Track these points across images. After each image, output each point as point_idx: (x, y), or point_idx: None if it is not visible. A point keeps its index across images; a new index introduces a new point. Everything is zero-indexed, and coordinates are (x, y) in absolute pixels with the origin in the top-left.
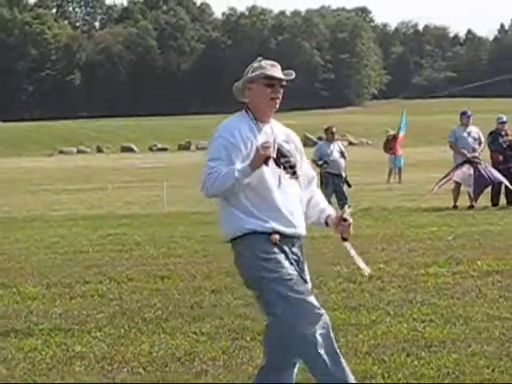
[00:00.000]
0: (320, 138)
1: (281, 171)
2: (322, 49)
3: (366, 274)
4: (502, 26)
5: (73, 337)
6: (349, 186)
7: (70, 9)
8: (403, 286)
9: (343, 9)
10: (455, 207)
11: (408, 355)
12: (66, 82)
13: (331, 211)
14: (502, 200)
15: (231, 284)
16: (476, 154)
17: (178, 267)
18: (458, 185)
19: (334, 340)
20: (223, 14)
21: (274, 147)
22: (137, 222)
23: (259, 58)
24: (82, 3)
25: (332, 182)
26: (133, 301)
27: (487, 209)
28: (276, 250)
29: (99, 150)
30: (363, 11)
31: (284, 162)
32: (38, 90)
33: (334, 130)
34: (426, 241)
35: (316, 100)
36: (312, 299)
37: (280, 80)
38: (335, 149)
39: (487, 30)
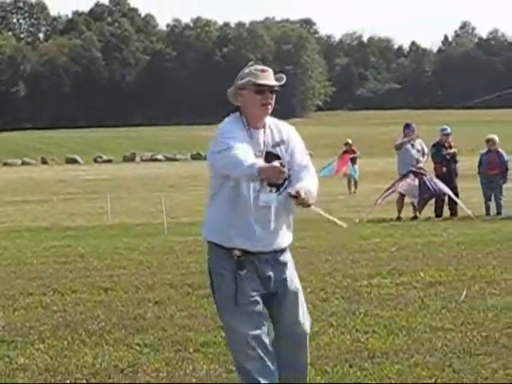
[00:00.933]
0: None
1: (262, 184)
2: (266, 60)
3: (343, 225)
4: (446, 37)
5: (16, 349)
6: None
7: (14, 20)
8: (346, 297)
9: (287, 20)
10: (399, 218)
11: (351, 366)
12: (10, 94)
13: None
14: (446, 211)
15: (175, 296)
16: (421, 165)
17: (121, 279)
18: (402, 196)
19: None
20: (167, 25)
21: (262, 154)
22: (81, 234)
23: (250, 63)
24: (27, 14)
25: None
26: (76, 312)
27: (431, 220)
28: (231, 266)
29: (44, 162)
30: (307, 23)
31: None
32: None
33: None
34: (370, 252)
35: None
36: (254, 324)
37: (270, 86)
38: None
39: (431, 41)
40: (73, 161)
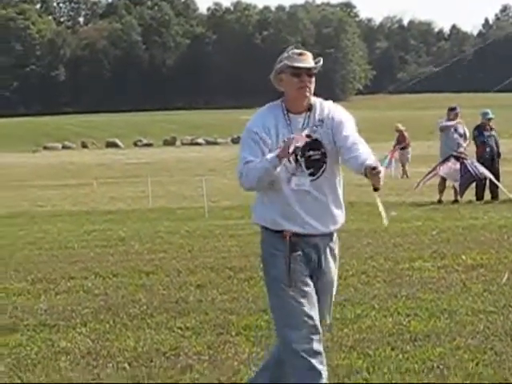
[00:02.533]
0: None
1: (296, 167)
2: (306, 44)
3: (385, 222)
4: (487, 20)
5: (58, 332)
6: None
7: (55, 4)
8: (388, 280)
9: (328, 4)
10: (440, 202)
11: (393, 349)
12: (50, 78)
13: (370, 162)
14: (487, 195)
15: (216, 279)
16: (462, 150)
17: (163, 262)
18: (443, 179)
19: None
20: (208, 9)
21: (301, 142)
22: (122, 218)
23: (290, 47)
24: None
25: None
26: (118, 296)
27: (472, 203)
28: (283, 248)
29: (84, 146)
30: (348, 6)
31: (308, 156)
32: (22, 85)
33: None
34: (411, 235)
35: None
36: (302, 306)
37: (306, 69)
38: None
39: (472, 25)
40: (113, 145)
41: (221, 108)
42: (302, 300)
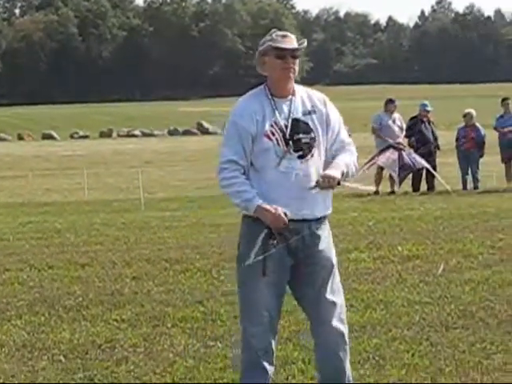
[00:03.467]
0: None
1: (285, 150)
2: (243, 35)
3: (374, 189)
4: (423, 12)
5: None
6: None
7: None
8: None
9: None
10: (376, 193)
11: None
12: None
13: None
14: (423, 186)
15: (152, 271)
16: (400, 140)
17: (98, 254)
18: (380, 170)
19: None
20: (145, 1)
21: (288, 123)
22: (58, 210)
23: (273, 30)
24: None
25: None
26: (53, 288)
27: (408, 194)
28: (261, 235)
29: (20, 138)
30: None
31: (296, 139)
32: None
33: None
34: (347, 226)
35: (240, 86)
36: (266, 301)
37: (290, 50)
38: None
39: (408, 16)
40: (49, 137)
41: (157, 100)
42: (268, 294)
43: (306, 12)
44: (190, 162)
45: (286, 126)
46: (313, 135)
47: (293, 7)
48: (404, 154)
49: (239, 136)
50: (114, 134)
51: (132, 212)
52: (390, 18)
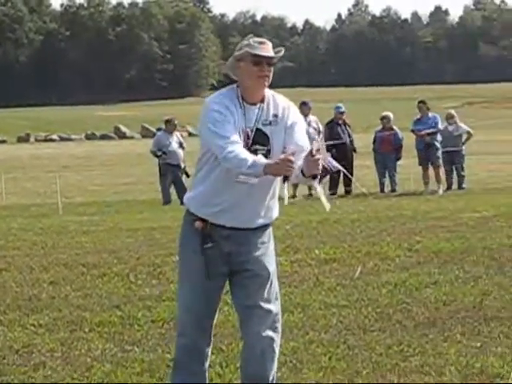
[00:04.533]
0: (159, 129)
1: None
2: (160, 39)
3: (327, 209)
4: (340, 15)
5: None
6: (187, 176)
7: None
8: None
9: None
10: (294, 196)
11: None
12: None
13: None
14: (340, 189)
15: (69, 276)
16: (316, 144)
17: (15, 259)
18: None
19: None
20: (61, 5)
21: (251, 132)
22: None
23: (250, 35)
24: None
25: (171, 173)
26: None
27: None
28: (197, 239)
29: None
30: (201, 2)
31: (254, 149)
32: None
33: (176, 122)
34: None
35: (155, 91)
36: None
37: (268, 58)
38: (174, 139)
39: (325, 19)
40: None
41: (74, 104)
42: (196, 297)
43: (222, 16)
44: (108, 167)
45: (249, 136)
46: (269, 147)
47: (209, 11)
48: (320, 157)
49: (222, 122)
50: (32, 139)
51: (50, 217)
52: (306, 22)
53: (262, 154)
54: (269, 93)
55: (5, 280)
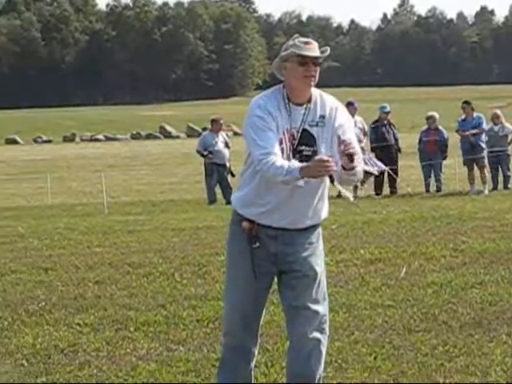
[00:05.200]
0: (205, 129)
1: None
2: (205, 39)
3: (351, 199)
4: (385, 15)
5: None
6: (233, 175)
7: None
8: None
9: None
10: (340, 196)
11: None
12: None
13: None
14: (385, 189)
15: (114, 275)
16: (362, 145)
17: (61, 259)
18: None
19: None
20: (107, 5)
21: (297, 133)
22: (21, 214)
23: (295, 35)
24: None
25: (217, 172)
26: (16, 292)
27: (371, 198)
28: (245, 239)
29: None
30: (246, 2)
31: (299, 150)
32: None
33: (222, 121)
34: None
35: (201, 91)
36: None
37: (313, 58)
38: (220, 139)
39: (370, 19)
40: (12, 141)
41: (120, 104)
42: (245, 297)
43: (268, 16)
44: (153, 166)
45: (295, 136)
46: (315, 149)
47: (255, 11)
48: (364, 158)
49: (262, 129)
50: (77, 139)
51: (95, 216)
52: (352, 21)
53: (308, 155)
54: (316, 92)
55: (50, 279)
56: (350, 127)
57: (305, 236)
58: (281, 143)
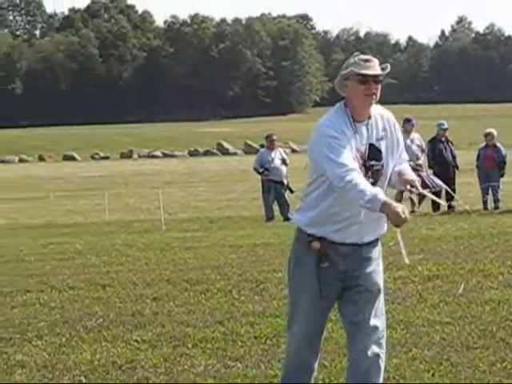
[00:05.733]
0: (262, 146)
1: (366, 178)
2: (263, 56)
3: (406, 261)
4: (443, 32)
5: (14, 345)
6: (291, 191)
7: (11, 17)
8: None
9: (284, 16)
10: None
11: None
12: (6, 91)
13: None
14: (443, 206)
15: (173, 291)
16: (420, 162)
17: (119, 275)
18: (400, 191)
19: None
20: (165, 21)
21: (366, 149)
22: (79, 231)
23: (356, 53)
24: (23, 11)
25: (274, 189)
26: (74, 309)
27: (428, 214)
28: (312, 257)
29: (41, 159)
30: (304, 18)
31: (369, 165)
32: None
33: (275, 137)
34: None
35: (258, 107)
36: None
37: (374, 76)
38: (276, 156)
39: (428, 36)
40: (70, 158)
41: (177, 121)
42: (311, 315)
43: (326, 32)
44: (211, 183)
45: (363, 153)
46: (382, 162)
47: (313, 27)
48: (422, 175)
49: (337, 148)
50: (135, 155)
51: (153, 233)
52: (409, 38)
53: (378, 170)
54: (374, 107)
55: (108, 296)
56: (401, 139)
57: (369, 251)
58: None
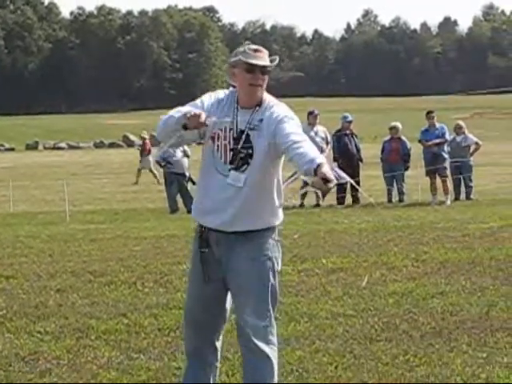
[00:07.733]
0: None
1: (225, 159)
2: (169, 48)
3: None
4: (349, 25)
5: None
6: (193, 183)
7: None
8: None
9: (190, 8)
10: (302, 205)
11: None
12: None
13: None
14: (348, 199)
15: (76, 283)
16: (325, 154)
17: (23, 267)
18: (305, 183)
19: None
20: (71, 13)
21: (236, 133)
22: None
23: (246, 42)
24: None
25: (176, 181)
26: None
27: (333, 207)
28: (197, 243)
29: None
30: (210, 11)
31: (237, 150)
32: None
33: None
34: None
35: (165, 99)
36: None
37: (261, 67)
38: (179, 149)
39: (334, 29)
40: None
41: (84, 112)
42: (196, 302)
43: (232, 25)
44: (116, 175)
45: (234, 137)
46: (250, 151)
47: (219, 20)
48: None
49: (197, 104)
50: (40, 147)
51: (57, 224)
52: (315, 31)
53: (243, 156)
54: (271, 99)
55: (12, 287)
56: (292, 122)
57: (242, 242)
58: (218, 139)
